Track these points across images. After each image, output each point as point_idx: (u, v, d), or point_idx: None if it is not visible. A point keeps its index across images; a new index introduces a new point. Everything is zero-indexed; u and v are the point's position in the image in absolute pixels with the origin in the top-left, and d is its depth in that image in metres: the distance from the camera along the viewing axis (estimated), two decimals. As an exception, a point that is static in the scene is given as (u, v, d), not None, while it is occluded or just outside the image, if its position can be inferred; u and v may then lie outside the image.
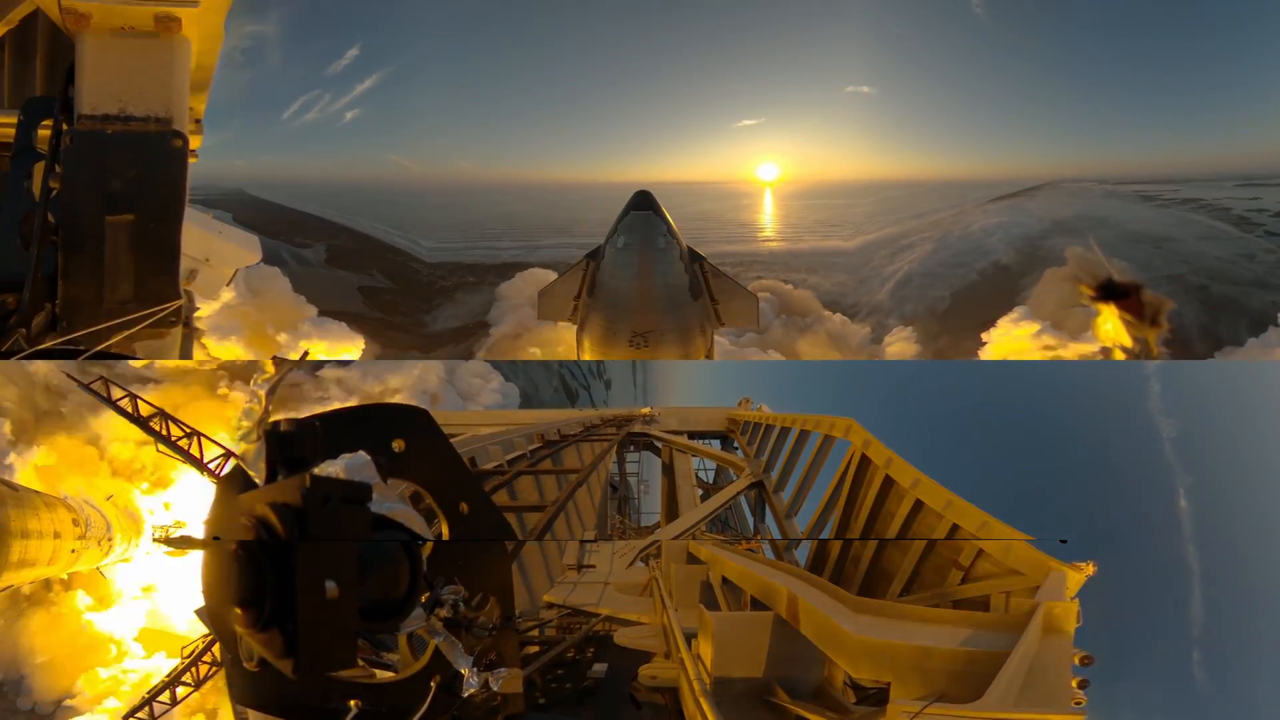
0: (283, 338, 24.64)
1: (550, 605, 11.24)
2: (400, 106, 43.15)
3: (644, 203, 10.63)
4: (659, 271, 10.79)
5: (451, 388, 32.84)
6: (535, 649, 9.14)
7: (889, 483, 11.30)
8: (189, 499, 21.67)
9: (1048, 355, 25.33)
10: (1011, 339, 25.72)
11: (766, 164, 45.77)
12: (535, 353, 26.74)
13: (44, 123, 5.48)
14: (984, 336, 26.31)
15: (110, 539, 18.27)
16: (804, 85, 50.09)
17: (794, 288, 31.65)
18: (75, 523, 16.20)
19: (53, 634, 21.69)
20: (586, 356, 11.79)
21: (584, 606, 10.58)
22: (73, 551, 16.06)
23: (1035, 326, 25.40)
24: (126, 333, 5.03)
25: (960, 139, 52.82)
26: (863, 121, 46.68)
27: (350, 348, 25.74)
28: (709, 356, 11.81)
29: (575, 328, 12.05)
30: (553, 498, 15.85)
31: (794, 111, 53.12)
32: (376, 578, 2.32)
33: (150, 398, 19.08)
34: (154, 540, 19.33)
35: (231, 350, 23.87)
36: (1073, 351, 24.64)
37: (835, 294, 32.08)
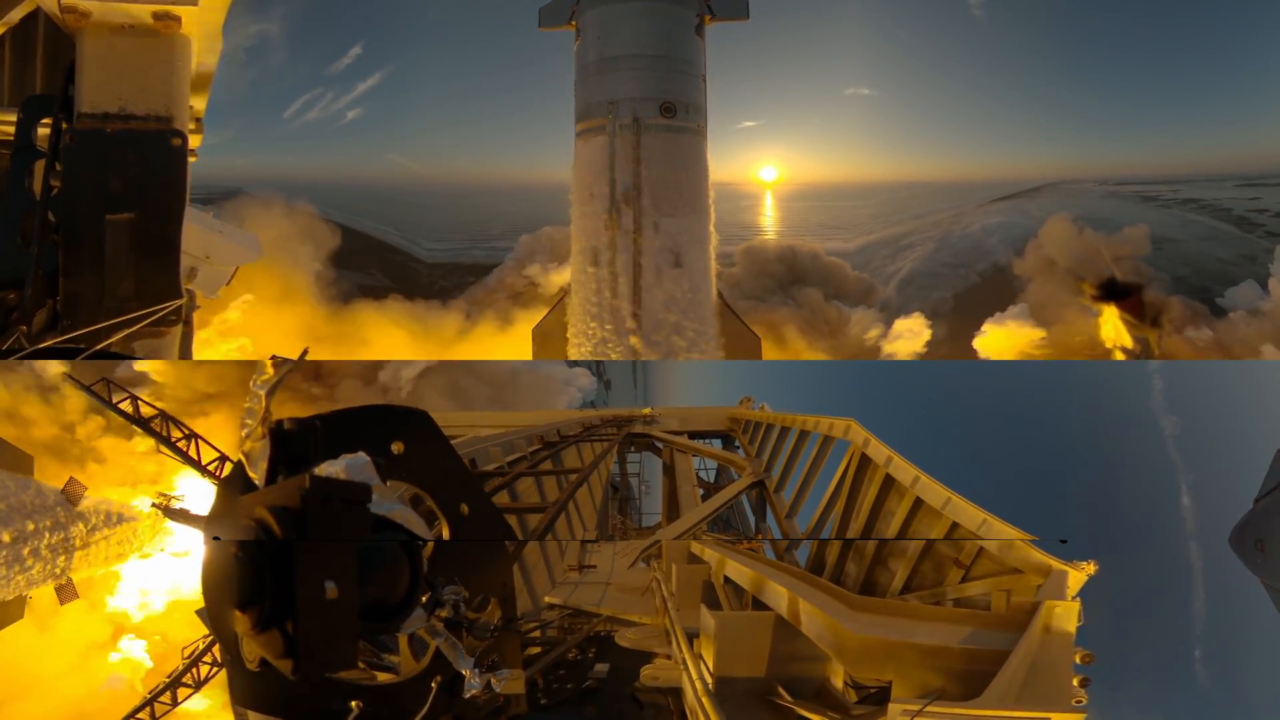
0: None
1: (552, 606, 11.23)
2: (402, 106, 43.13)
3: None
4: None
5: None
6: (538, 650, 9.14)
7: (889, 481, 11.27)
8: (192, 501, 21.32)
9: (1046, 350, 25.33)
10: (1011, 337, 25.73)
11: (767, 166, 45.62)
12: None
13: (43, 120, 5.47)
14: (984, 332, 26.36)
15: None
16: (804, 87, 50.07)
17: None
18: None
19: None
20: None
21: (586, 607, 10.57)
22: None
23: (1040, 334, 25.39)
24: (127, 331, 5.02)
25: (960, 140, 52.81)
26: (863, 123, 46.65)
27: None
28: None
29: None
30: (553, 498, 15.81)
31: (794, 113, 53.06)
32: (376, 579, 2.31)
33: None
34: (153, 505, 18.35)
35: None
36: (1076, 333, 24.60)
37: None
